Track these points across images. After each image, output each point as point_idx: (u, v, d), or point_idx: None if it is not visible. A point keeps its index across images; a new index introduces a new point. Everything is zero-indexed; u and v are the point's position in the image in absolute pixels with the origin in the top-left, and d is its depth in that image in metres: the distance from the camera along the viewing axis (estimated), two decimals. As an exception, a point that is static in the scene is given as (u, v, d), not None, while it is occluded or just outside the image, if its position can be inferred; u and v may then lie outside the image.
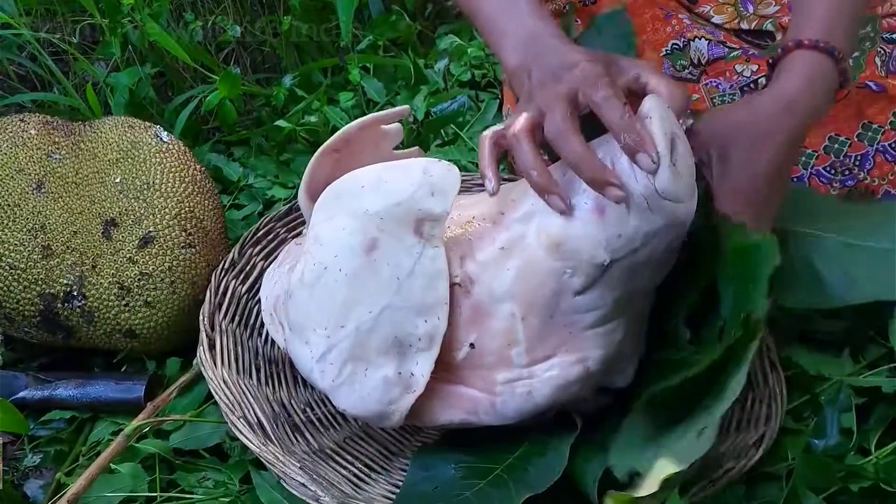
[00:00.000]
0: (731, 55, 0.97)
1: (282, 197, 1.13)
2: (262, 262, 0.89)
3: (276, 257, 0.90)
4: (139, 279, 0.83)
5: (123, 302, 0.83)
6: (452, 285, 0.67)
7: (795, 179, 0.95)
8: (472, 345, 0.66)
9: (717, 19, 0.99)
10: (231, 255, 0.86)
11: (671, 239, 0.64)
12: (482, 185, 0.69)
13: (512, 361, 0.65)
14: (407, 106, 0.80)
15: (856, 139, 0.94)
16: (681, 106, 0.66)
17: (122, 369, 0.89)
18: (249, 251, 0.88)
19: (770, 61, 0.76)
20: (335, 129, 1.22)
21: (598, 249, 0.63)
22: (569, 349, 0.65)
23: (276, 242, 0.91)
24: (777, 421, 0.74)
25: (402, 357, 0.65)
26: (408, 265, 0.65)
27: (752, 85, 0.96)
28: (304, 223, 0.94)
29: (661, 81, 0.66)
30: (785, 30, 0.96)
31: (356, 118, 1.22)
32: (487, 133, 0.66)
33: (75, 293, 0.83)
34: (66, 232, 0.84)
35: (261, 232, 0.90)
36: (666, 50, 0.99)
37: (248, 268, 0.87)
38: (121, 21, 1.17)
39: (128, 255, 0.84)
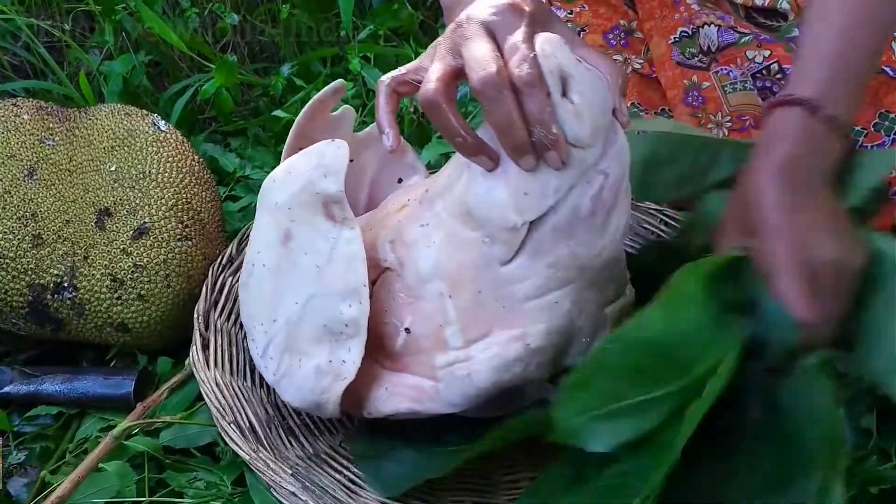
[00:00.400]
0: (742, 41, 0.94)
1: (279, 189, 1.10)
2: (259, 257, 0.86)
3: None
4: (133, 271, 0.80)
5: (116, 295, 0.80)
6: (385, 270, 0.65)
7: None
8: (407, 329, 0.64)
9: None
10: (229, 250, 0.83)
11: (595, 192, 0.59)
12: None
13: (447, 343, 0.62)
14: (341, 80, 0.75)
15: (872, 129, 0.91)
16: (619, 87, 0.60)
17: (112, 364, 0.86)
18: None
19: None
20: (335, 121, 1.20)
21: (507, 212, 0.58)
22: (505, 325, 0.61)
23: (273, 236, 0.88)
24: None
25: (334, 345, 0.63)
26: (325, 251, 0.63)
27: (763, 71, 0.94)
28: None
29: (600, 60, 0.61)
30: (800, 9, 0.93)
31: (355, 109, 1.21)
32: (385, 79, 0.62)
33: (66, 284, 0.80)
34: (58, 221, 0.81)
35: (258, 227, 0.87)
36: (674, 37, 0.97)
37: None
38: (115, 8, 1.14)
39: (121, 247, 0.81)
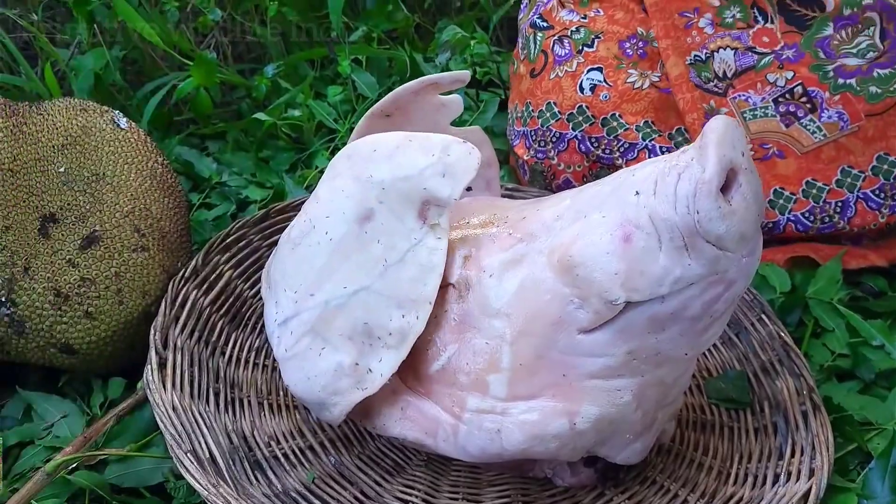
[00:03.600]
0: (762, 63, 0.88)
1: (257, 198, 1.02)
2: (230, 272, 0.78)
3: (246, 267, 0.80)
4: (79, 285, 0.71)
5: (60, 311, 0.71)
6: (447, 285, 0.59)
7: (839, 203, 0.85)
8: (449, 357, 0.58)
9: None
10: (194, 261, 0.75)
11: (711, 298, 0.52)
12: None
13: (488, 389, 0.57)
14: (467, 71, 0.70)
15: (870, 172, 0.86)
16: None
17: (59, 385, 0.78)
18: (216, 258, 0.78)
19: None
20: (321, 125, 1.12)
21: (613, 283, 0.51)
22: (557, 394, 0.55)
23: (247, 250, 0.81)
24: (825, 475, 0.62)
25: (367, 348, 0.58)
26: (401, 249, 0.57)
27: (787, 95, 0.87)
28: (282, 230, 0.83)
29: None
30: (838, 6, 0.87)
31: (343, 114, 1.13)
32: None
33: (3, 299, 0.71)
34: (-3, 227, 0.73)
35: (231, 237, 0.80)
36: (689, 59, 0.91)
37: (212, 277, 0.77)
38: (88, -2, 1.06)
39: (67, 257, 0.72)
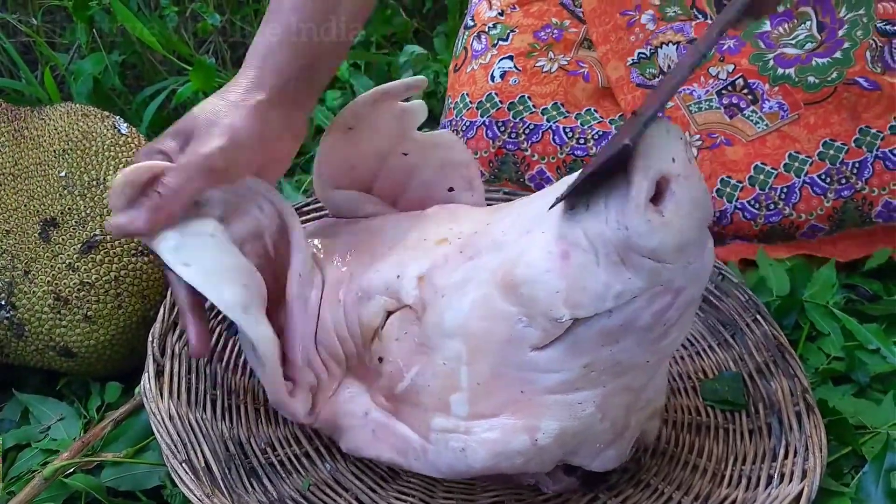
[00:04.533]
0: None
1: (256, 202, 1.02)
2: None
3: None
4: (79, 289, 0.72)
5: (59, 315, 0.72)
6: (405, 307, 0.59)
7: (785, 189, 0.87)
8: (413, 378, 0.58)
9: None
10: (193, 267, 0.75)
11: (660, 308, 0.51)
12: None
13: (450, 408, 0.57)
14: (423, 77, 0.69)
15: (853, 145, 0.87)
16: None
17: (58, 387, 0.78)
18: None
19: None
20: (319, 130, 1.12)
21: (555, 301, 0.51)
22: (517, 411, 0.55)
23: (249, 257, 0.81)
24: (817, 476, 0.63)
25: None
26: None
27: (729, 87, 0.90)
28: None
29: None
30: None
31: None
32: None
33: (3, 302, 0.72)
34: (-3, 231, 0.73)
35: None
36: (632, 59, 0.95)
37: (211, 283, 0.76)
38: (88, 3, 1.07)
39: (67, 261, 0.72)
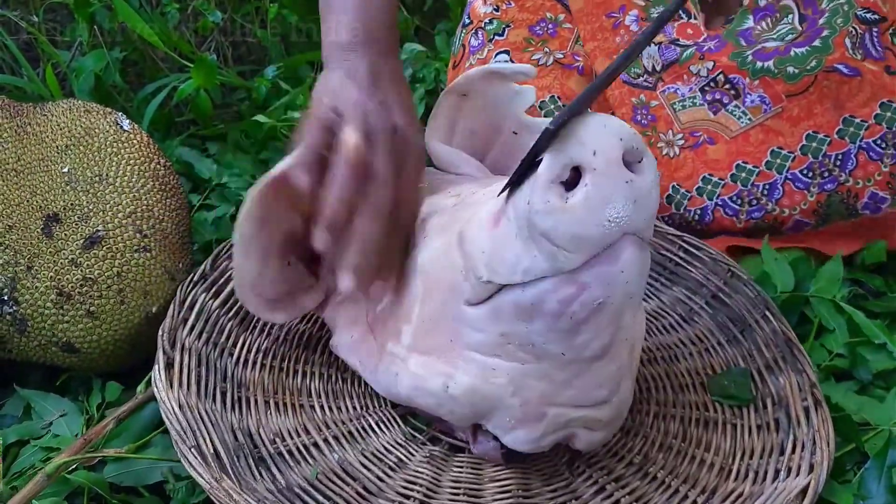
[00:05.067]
0: (685, 55, 0.92)
1: (258, 199, 1.02)
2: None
3: None
4: (82, 285, 0.72)
5: (62, 310, 0.72)
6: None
7: (767, 185, 0.87)
8: (389, 302, 0.65)
9: None
10: (203, 266, 0.77)
11: (564, 297, 0.52)
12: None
13: (400, 336, 0.63)
14: (532, 66, 0.73)
15: (836, 136, 0.86)
16: None
17: (59, 384, 0.78)
18: (225, 263, 0.79)
19: None
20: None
21: (480, 261, 0.55)
22: (441, 357, 0.60)
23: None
24: (824, 470, 0.63)
25: None
26: None
27: (711, 84, 0.90)
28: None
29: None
30: (753, 0, 0.91)
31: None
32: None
33: (6, 297, 0.71)
34: (0, 226, 0.73)
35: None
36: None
37: (221, 281, 0.77)
38: (89, 0, 1.07)
39: (70, 257, 0.72)
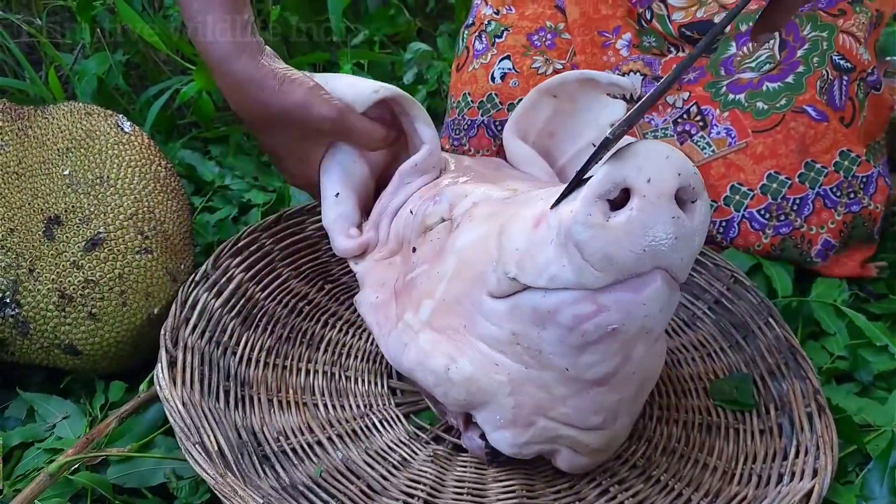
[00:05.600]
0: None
1: (259, 202, 1.02)
2: (241, 275, 0.79)
3: (257, 270, 0.82)
4: (84, 287, 0.72)
5: (64, 312, 0.72)
6: (449, 219, 0.64)
7: (724, 223, 0.87)
8: (418, 273, 0.64)
9: (674, 1, 0.93)
10: (204, 266, 0.77)
11: (580, 314, 0.51)
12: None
13: (419, 310, 0.62)
14: (630, 82, 0.72)
15: (797, 180, 0.86)
16: None
17: (62, 386, 0.78)
18: (227, 262, 0.79)
19: None
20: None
21: (511, 258, 0.54)
22: (453, 340, 0.60)
23: (259, 254, 0.82)
24: (828, 475, 0.63)
25: None
26: None
27: (685, 115, 0.91)
28: (294, 234, 0.84)
29: None
30: (735, 25, 0.91)
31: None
32: None
33: (8, 300, 0.71)
34: (1, 229, 0.73)
35: (242, 241, 0.81)
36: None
37: (223, 280, 0.78)
38: (92, 3, 1.07)
39: (72, 259, 0.72)
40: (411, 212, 0.69)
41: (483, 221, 0.60)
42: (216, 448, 0.62)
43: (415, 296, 0.63)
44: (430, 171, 0.73)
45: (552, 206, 0.52)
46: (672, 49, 0.94)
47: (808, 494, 0.61)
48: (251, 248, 0.82)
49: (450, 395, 0.61)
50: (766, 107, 0.87)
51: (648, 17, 0.94)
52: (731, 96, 0.89)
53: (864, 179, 0.86)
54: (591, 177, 0.50)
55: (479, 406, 0.60)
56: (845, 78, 0.87)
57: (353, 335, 0.82)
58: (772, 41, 0.90)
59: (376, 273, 0.70)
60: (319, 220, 0.88)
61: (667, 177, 0.48)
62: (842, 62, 0.87)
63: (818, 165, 0.85)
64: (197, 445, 0.60)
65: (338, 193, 0.73)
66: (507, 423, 0.60)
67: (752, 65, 0.90)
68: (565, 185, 0.53)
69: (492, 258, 0.56)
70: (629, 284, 0.50)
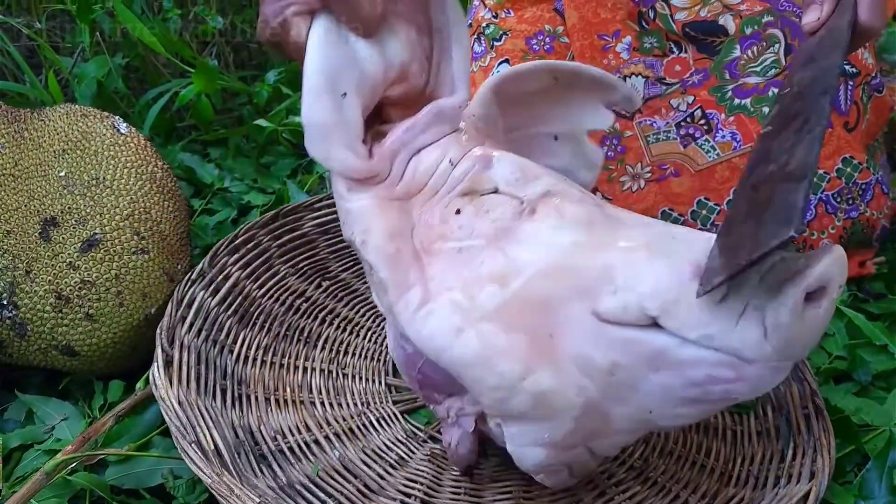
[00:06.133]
0: (668, 91, 0.92)
1: (259, 203, 1.02)
2: (238, 273, 0.79)
3: (255, 268, 0.82)
4: (80, 288, 0.72)
5: (61, 314, 0.72)
6: (516, 198, 0.57)
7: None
8: (470, 246, 0.56)
9: (677, 1, 0.92)
10: (201, 264, 0.77)
11: (717, 376, 0.50)
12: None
13: (479, 294, 0.54)
14: (638, 98, 0.67)
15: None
16: None
17: (61, 387, 0.78)
18: (224, 260, 0.79)
19: None
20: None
21: (657, 298, 0.50)
22: (531, 345, 0.53)
23: (256, 251, 0.83)
24: (825, 477, 0.62)
25: None
26: None
27: (688, 118, 0.90)
28: (292, 231, 0.84)
29: None
30: (739, 28, 0.91)
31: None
32: None
33: (5, 302, 0.72)
34: (-1, 231, 0.73)
35: (239, 239, 0.82)
36: None
37: (220, 278, 0.78)
38: (92, 7, 1.07)
39: (68, 260, 0.72)
40: (451, 162, 0.60)
41: (579, 225, 0.55)
42: (213, 447, 0.62)
43: (468, 273, 0.55)
44: (457, 121, 0.62)
45: (732, 275, 0.47)
46: (674, 49, 0.94)
47: (805, 497, 0.61)
48: (248, 246, 0.82)
49: (508, 402, 0.54)
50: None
51: (651, 15, 0.94)
52: (736, 101, 0.89)
53: (863, 186, 0.86)
54: (779, 255, 0.48)
55: (531, 420, 0.55)
56: (850, 83, 0.87)
57: (351, 332, 0.82)
58: (776, 45, 0.90)
59: (387, 215, 0.59)
60: (318, 217, 0.87)
61: (841, 283, 0.49)
62: (847, 67, 0.87)
63: (821, 171, 0.86)
64: (193, 444, 0.60)
65: (345, 94, 0.57)
66: (551, 443, 0.56)
67: (758, 69, 0.89)
68: (714, 241, 0.50)
69: (606, 273, 0.52)
70: (772, 367, 0.50)
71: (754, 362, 0.49)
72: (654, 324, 0.50)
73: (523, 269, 0.54)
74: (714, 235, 0.51)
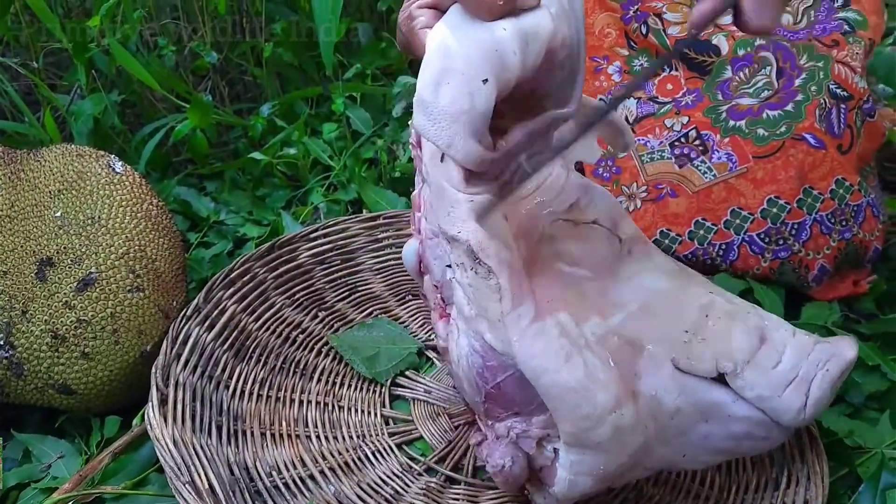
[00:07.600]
0: (662, 111, 0.93)
1: (254, 235, 1.03)
2: (234, 306, 0.80)
3: (250, 301, 0.82)
4: (76, 327, 0.73)
5: (57, 353, 0.72)
6: (617, 237, 0.64)
7: (724, 246, 0.87)
8: (563, 272, 0.62)
9: (669, 16, 0.93)
10: (196, 300, 0.77)
11: (754, 432, 0.59)
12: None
13: (583, 322, 0.57)
14: (632, 146, 0.67)
15: (795, 205, 0.87)
16: None
17: (57, 425, 0.78)
18: (219, 294, 0.80)
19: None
20: (316, 162, 1.14)
21: (732, 355, 0.58)
22: (622, 377, 0.55)
23: (252, 283, 0.83)
24: (819, 504, 0.63)
25: None
26: None
27: (683, 139, 0.91)
28: (288, 262, 0.85)
29: None
30: (731, 49, 0.92)
31: (338, 150, 1.15)
32: None
33: (2, 342, 0.72)
34: (-5, 272, 0.74)
35: (235, 272, 0.82)
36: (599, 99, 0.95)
37: (215, 313, 0.79)
38: (87, 45, 1.09)
39: (64, 300, 0.73)
40: (559, 178, 0.63)
41: (666, 275, 0.62)
42: (207, 486, 0.62)
43: (571, 298, 0.57)
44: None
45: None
46: (665, 68, 0.95)
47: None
48: (244, 279, 0.83)
49: (591, 432, 0.53)
50: (766, 133, 0.88)
51: (644, 31, 0.95)
52: (731, 122, 0.90)
53: (855, 208, 0.87)
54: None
55: (598, 451, 0.55)
56: (843, 106, 0.88)
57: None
58: (768, 67, 0.91)
59: (497, 218, 0.57)
60: (313, 247, 0.88)
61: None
62: (838, 91, 0.88)
63: (815, 192, 0.86)
64: (187, 485, 0.61)
65: (486, 80, 0.52)
66: (602, 475, 0.56)
67: (750, 91, 0.91)
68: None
69: (688, 326, 0.59)
70: (791, 430, 0.58)
71: (787, 428, 0.57)
72: (719, 378, 0.57)
73: (619, 305, 0.60)
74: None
